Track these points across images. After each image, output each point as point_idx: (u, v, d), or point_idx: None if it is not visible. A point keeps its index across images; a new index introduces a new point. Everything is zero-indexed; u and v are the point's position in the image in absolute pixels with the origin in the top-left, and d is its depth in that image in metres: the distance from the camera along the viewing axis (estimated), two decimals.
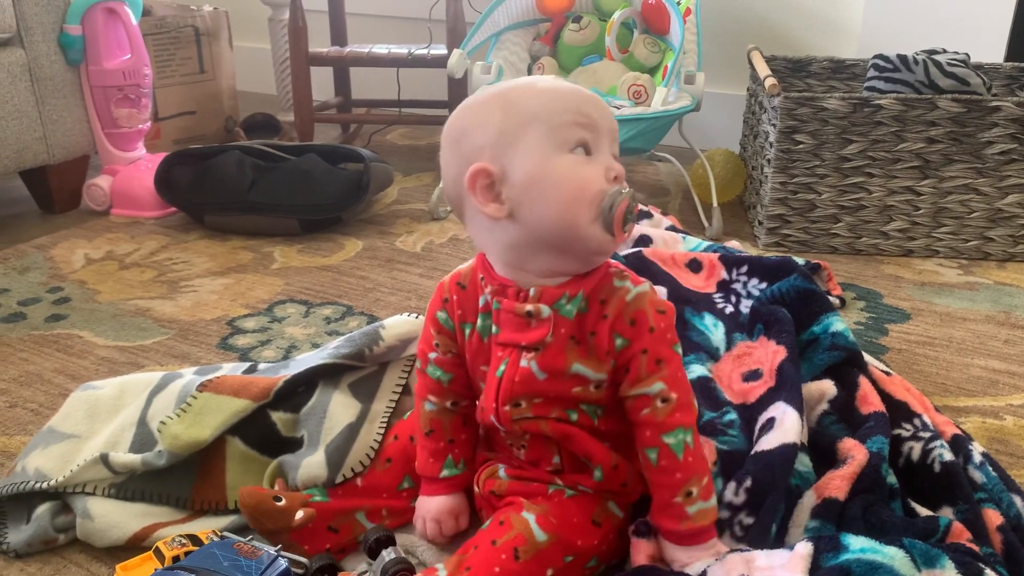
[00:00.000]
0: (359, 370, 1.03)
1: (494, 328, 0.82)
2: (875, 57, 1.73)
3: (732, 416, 0.97)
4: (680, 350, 0.81)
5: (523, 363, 0.81)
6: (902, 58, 1.67)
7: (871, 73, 1.73)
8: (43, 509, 0.93)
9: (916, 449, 0.97)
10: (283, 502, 0.87)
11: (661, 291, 1.21)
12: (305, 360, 1.06)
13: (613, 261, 0.83)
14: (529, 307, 0.80)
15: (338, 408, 0.97)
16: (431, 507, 0.90)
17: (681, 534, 0.80)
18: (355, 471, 0.93)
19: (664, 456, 0.79)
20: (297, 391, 1.00)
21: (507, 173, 0.77)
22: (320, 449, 0.93)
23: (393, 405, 1.00)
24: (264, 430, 0.97)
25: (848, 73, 1.97)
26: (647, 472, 0.81)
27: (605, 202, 0.76)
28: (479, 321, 0.84)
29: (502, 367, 0.82)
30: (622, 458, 0.83)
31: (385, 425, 0.97)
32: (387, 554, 0.83)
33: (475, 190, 0.78)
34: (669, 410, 0.78)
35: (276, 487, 0.91)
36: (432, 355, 0.89)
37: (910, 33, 2.00)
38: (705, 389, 1.03)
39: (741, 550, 0.78)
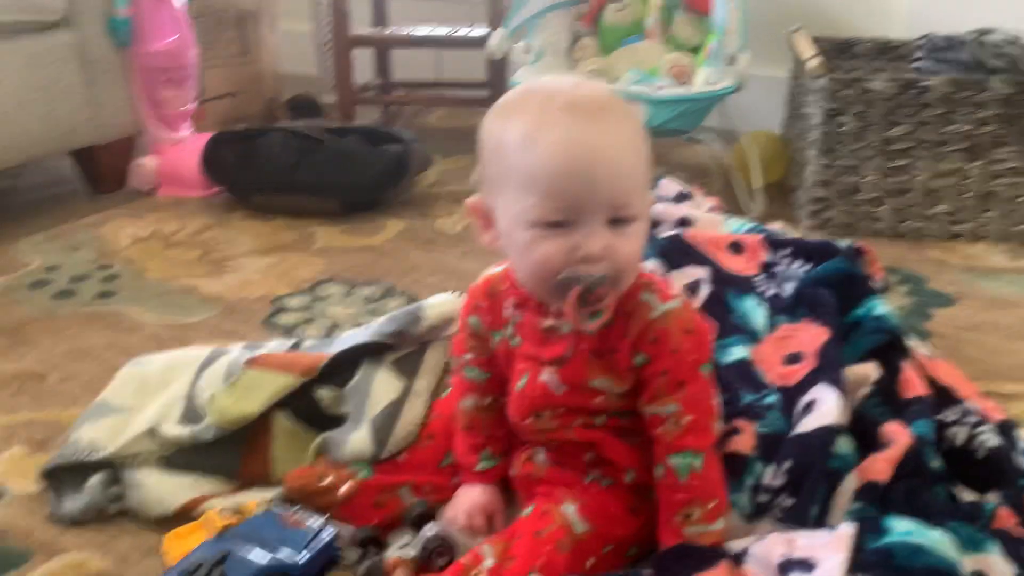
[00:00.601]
0: (402, 348, 1.05)
1: (517, 340, 0.83)
2: (923, 37, 1.70)
3: (772, 399, 0.96)
4: (707, 371, 0.79)
5: (543, 377, 0.81)
6: (951, 38, 1.64)
7: (919, 54, 1.70)
8: (96, 479, 0.96)
9: (961, 434, 0.95)
10: (328, 480, 0.89)
11: (702, 273, 1.20)
12: (349, 338, 1.07)
13: (646, 271, 0.82)
14: (549, 322, 0.80)
15: (382, 385, 0.98)
16: (466, 500, 0.90)
17: (675, 554, 0.79)
18: (399, 447, 0.94)
19: (668, 475, 0.79)
20: (341, 368, 1.01)
21: (495, 214, 0.78)
22: (364, 425, 0.94)
23: (435, 383, 1.01)
24: (309, 405, 0.99)
25: (894, 54, 1.93)
26: (655, 484, 0.81)
27: (558, 283, 0.74)
28: (506, 331, 0.85)
29: (523, 380, 0.83)
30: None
31: (428, 403, 0.98)
32: (428, 529, 0.85)
33: (474, 216, 0.81)
34: (680, 432, 0.78)
35: (320, 464, 0.93)
36: (467, 356, 0.90)
37: (960, 12, 1.95)
38: (745, 372, 1.03)
39: (783, 529, 0.78)
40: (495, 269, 0.88)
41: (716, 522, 0.79)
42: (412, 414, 0.96)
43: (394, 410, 0.96)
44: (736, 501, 0.83)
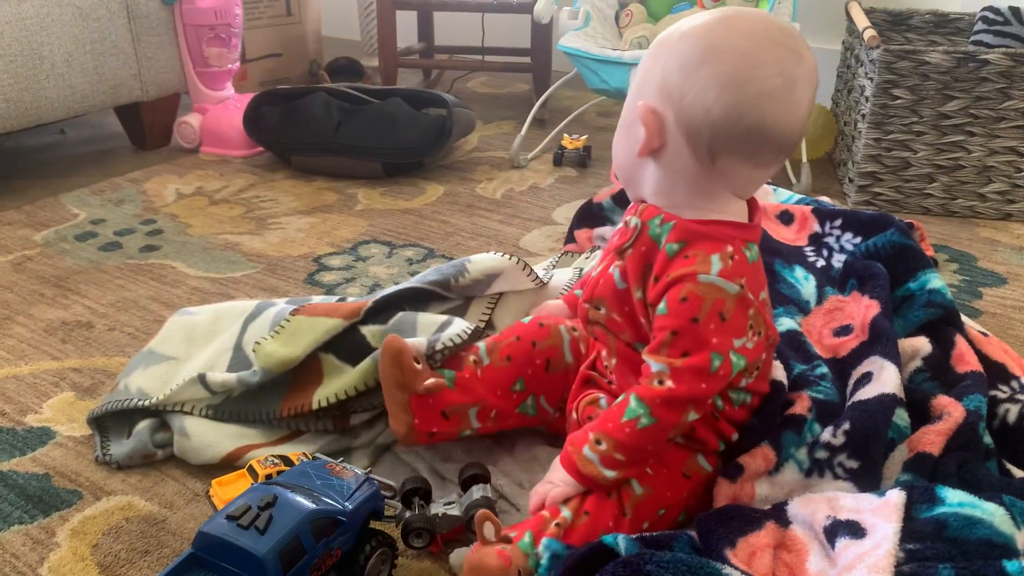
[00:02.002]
0: (445, 301, 1.05)
1: (615, 237, 0.86)
2: (984, 9, 1.65)
3: (824, 369, 0.95)
4: (720, 362, 0.75)
5: (611, 269, 0.83)
6: (1015, 11, 1.59)
7: (979, 26, 1.65)
8: (143, 425, 0.98)
9: (1013, 411, 0.94)
10: (420, 366, 0.90)
11: None
12: (392, 290, 1.07)
13: (736, 243, 0.78)
14: (629, 216, 0.83)
15: (427, 318, 0.99)
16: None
17: (567, 453, 0.81)
18: (454, 342, 0.94)
19: (617, 406, 0.79)
20: (387, 310, 1.01)
21: None
22: (418, 335, 0.96)
23: (484, 323, 1.01)
24: (356, 344, 0.98)
25: (951, 27, 1.88)
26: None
27: None
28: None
29: (600, 267, 0.86)
30: None
31: (486, 319, 1.00)
32: (476, 491, 0.84)
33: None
34: (657, 391, 0.76)
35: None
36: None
37: None
38: (795, 342, 1.01)
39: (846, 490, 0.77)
40: None
41: (609, 471, 0.78)
42: (462, 324, 0.97)
43: (443, 325, 0.97)
44: (794, 456, 0.82)
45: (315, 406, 0.95)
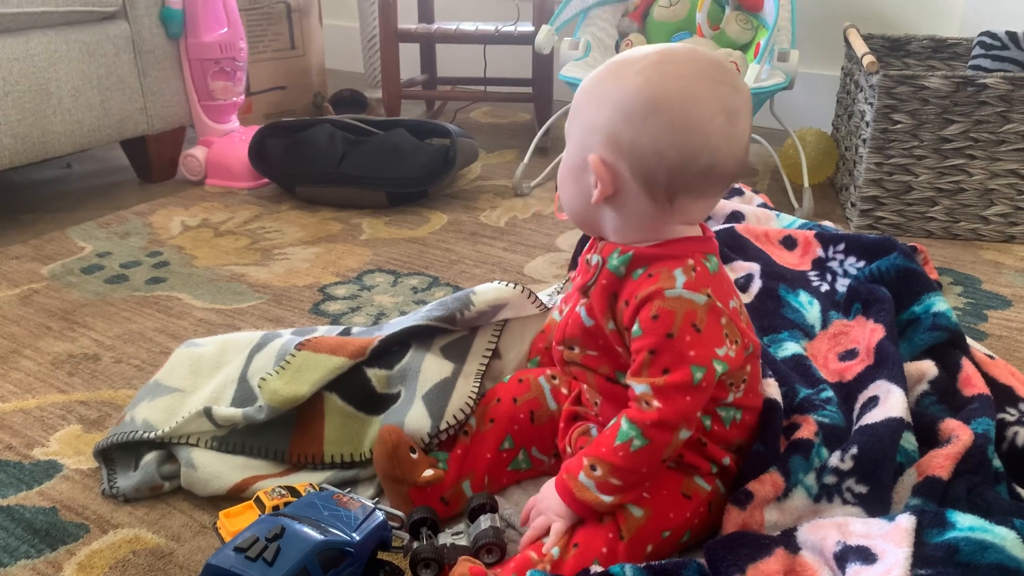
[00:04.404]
0: (450, 333, 1.05)
1: (577, 275, 0.87)
2: (982, 34, 1.66)
3: (829, 393, 0.95)
4: (702, 373, 0.76)
5: (578, 308, 0.84)
6: (1012, 35, 1.60)
7: (977, 51, 1.67)
8: (150, 457, 0.98)
9: (1022, 434, 0.93)
10: (416, 456, 0.89)
11: (754, 267, 1.19)
12: (398, 323, 1.08)
13: (696, 256, 0.80)
14: (589, 255, 0.84)
15: (431, 365, 0.99)
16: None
17: (562, 481, 0.81)
18: (457, 419, 0.94)
19: (609, 429, 0.79)
20: (391, 350, 1.02)
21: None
22: (418, 402, 0.95)
23: (484, 367, 1.01)
24: (360, 386, 0.99)
25: (949, 52, 1.90)
26: None
27: None
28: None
29: (567, 308, 0.87)
30: None
31: (479, 381, 0.98)
32: (484, 521, 0.84)
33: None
34: (647, 414, 0.76)
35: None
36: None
37: (1017, 10, 1.92)
38: (800, 366, 1.01)
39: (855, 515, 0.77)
40: None
41: (606, 496, 0.78)
42: (465, 390, 0.97)
43: (445, 387, 0.96)
44: (802, 481, 0.82)
45: (327, 460, 0.96)
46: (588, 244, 0.87)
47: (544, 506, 0.82)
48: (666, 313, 0.76)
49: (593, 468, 0.79)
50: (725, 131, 0.76)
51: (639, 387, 0.77)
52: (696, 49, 0.80)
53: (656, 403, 0.76)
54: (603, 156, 0.78)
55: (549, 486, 0.83)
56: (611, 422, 0.80)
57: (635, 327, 0.78)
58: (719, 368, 0.77)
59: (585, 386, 0.90)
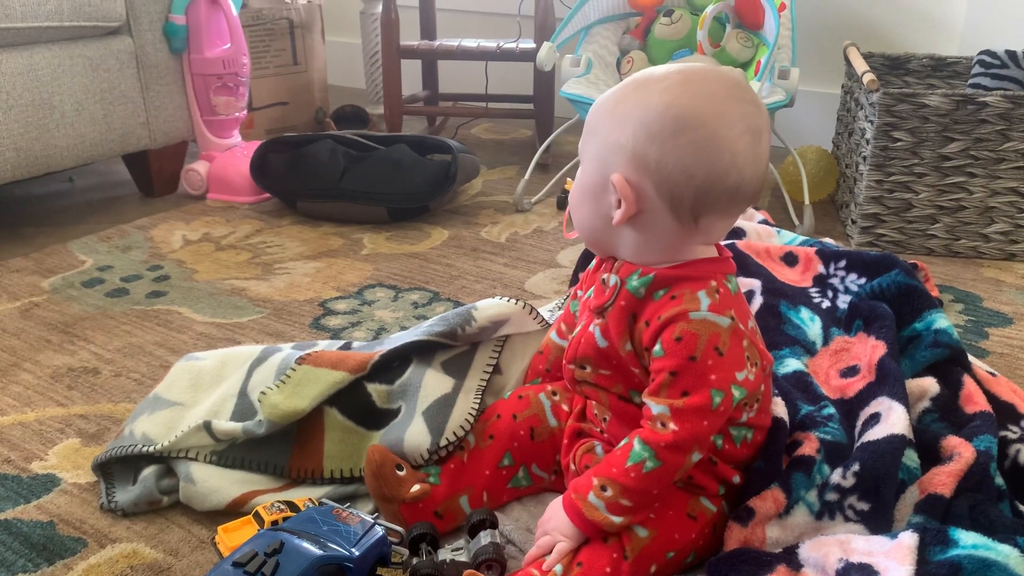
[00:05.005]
0: (451, 349, 1.05)
1: (588, 293, 0.87)
2: (982, 53, 1.67)
3: (831, 410, 0.95)
4: (720, 398, 0.75)
5: (591, 328, 0.84)
6: (1011, 54, 1.61)
7: (976, 70, 1.68)
8: (149, 471, 0.97)
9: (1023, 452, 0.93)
10: (404, 472, 0.88)
11: (755, 283, 1.19)
12: (399, 338, 1.08)
13: (718, 277, 0.80)
14: (605, 275, 0.83)
15: (432, 381, 0.98)
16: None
17: (571, 500, 0.80)
18: (456, 435, 0.94)
19: (621, 449, 0.78)
20: (392, 365, 1.02)
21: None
22: (418, 418, 0.94)
23: (485, 382, 1.01)
24: (361, 401, 0.99)
25: (949, 71, 1.91)
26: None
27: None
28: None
29: (579, 328, 0.87)
30: None
31: (480, 397, 0.98)
32: (484, 537, 0.84)
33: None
34: (662, 435, 0.76)
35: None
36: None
37: (1017, 30, 1.93)
38: (801, 383, 1.01)
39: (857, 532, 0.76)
40: None
41: (616, 517, 0.78)
42: (465, 405, 0.96)
43: (446, 402, 0.96)
44: (804, 498, 0.82)
45: (327, 475, 0.96)
46: (596, 263, 0.87)
47: (551, 526, 0.81)
48: (690, 335, 0.76)
49: (603, 488, 0.78)
50: (751, 150, 0.76)
51: (656, 407, 0.77)
52: (717, 68, 0.80)
53: (672, 425, 0.76)
54: (627, 175, 0.77)
55: (556, 505, 0.82)
56: (622, 442, 0.79)
57: (657, 347, 0.77)
58: (737, 394, 0.77)
59: (593, 403, 0.89)
